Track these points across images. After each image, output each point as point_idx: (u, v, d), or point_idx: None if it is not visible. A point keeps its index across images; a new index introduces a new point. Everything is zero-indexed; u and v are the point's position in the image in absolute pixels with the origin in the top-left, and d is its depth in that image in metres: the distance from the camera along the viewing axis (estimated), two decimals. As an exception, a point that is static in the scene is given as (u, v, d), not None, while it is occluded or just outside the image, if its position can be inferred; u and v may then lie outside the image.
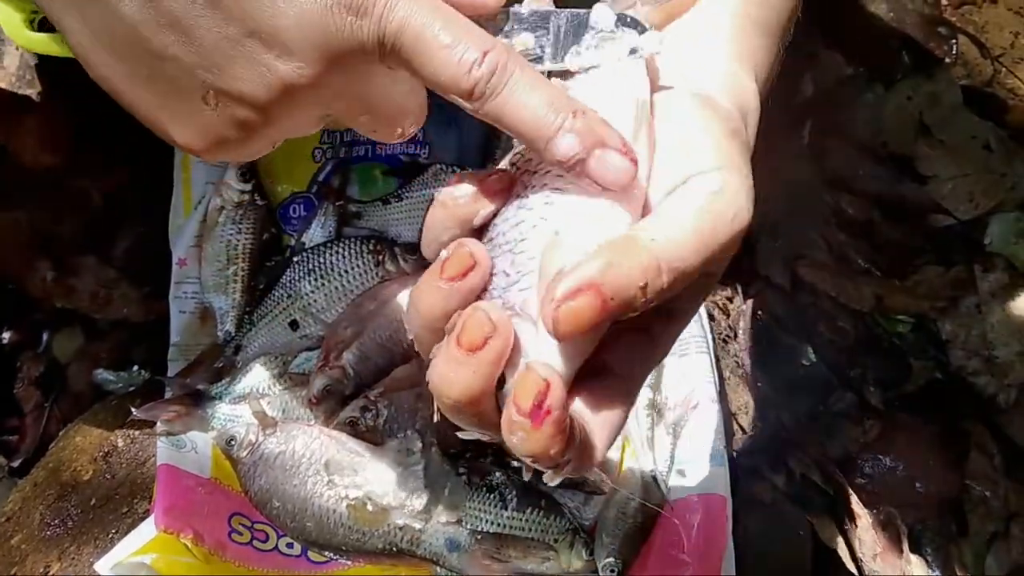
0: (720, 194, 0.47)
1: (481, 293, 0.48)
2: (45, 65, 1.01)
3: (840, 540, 1.12)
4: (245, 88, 0.49)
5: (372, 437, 1.02)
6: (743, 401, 1.21)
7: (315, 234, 1.13)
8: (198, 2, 0.47)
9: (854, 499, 1.13)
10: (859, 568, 1.11)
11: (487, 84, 0.46)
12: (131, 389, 1.13)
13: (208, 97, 0.50)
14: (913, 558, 1.12)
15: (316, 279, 1.09)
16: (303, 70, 0.48)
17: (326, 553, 1.01)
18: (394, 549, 0.99)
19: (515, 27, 0.51)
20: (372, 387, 1.04)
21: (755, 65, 0.57)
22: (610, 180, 0.46)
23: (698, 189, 0.47)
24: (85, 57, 0.52)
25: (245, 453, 1.01)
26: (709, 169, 0.48)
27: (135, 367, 1.15)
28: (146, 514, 1.00)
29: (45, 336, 1.22)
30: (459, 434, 0.51)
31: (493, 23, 0.51)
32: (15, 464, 1.16)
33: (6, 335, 1.21)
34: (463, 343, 0.45)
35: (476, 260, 0.47)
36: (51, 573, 1.00)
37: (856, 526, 1.12)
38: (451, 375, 0.45)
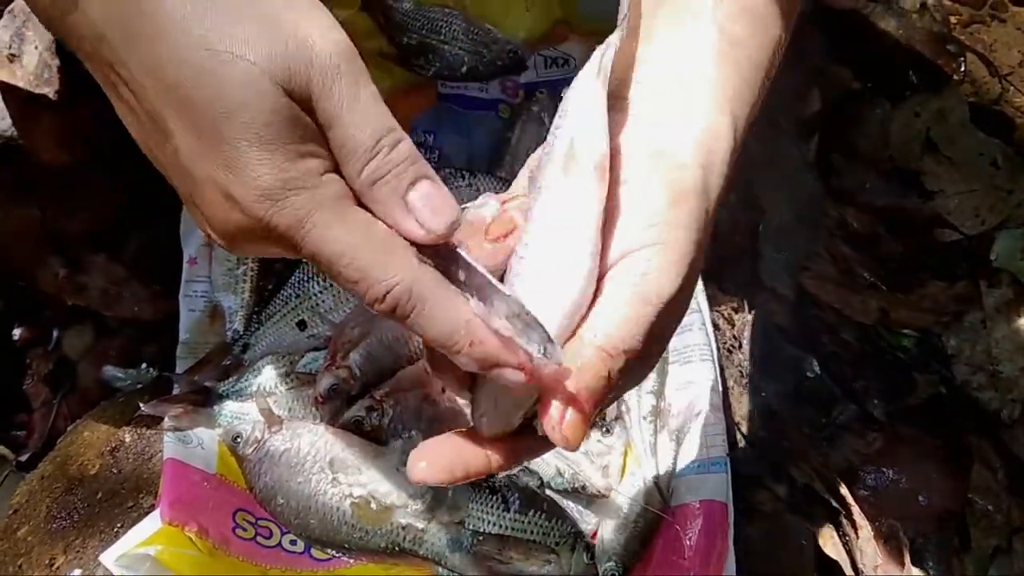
0: (646, 276, 0.52)
1: None
2: (64, 64, 1.03)
3: (842, 551, 1.12)
4: (213, 221, 0.54)
5: (377, 437, 1.03)
6: (746, 411, 1.21)
7: (326, 236, 1.13)
8: (164, 160, 0.54)
9: (856, 510, 1.13)
10: (860, 579, 1.11)
11: (393, 314, 0.52)
12: (139, 386, 1.14)
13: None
14: (915, 571, 1.12)
15: (324, 280, 1.09)
16: (220, 242, 0.56)
17: (329, 551, 1.01)
18: (396, 548, 0.99)
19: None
20: (378, 387, 1.05)
21: (736, 107, 0.59)
22: (511, 383, 0.52)
23: (630, 270, 0.53)
24: None
25: (251, 450, 1.02)
26: (640, 247, 0.53)
27: (144, 365, 1.16)
28: (151, 509, 1.00)
29: (56, 333, 1.23)
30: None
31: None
32: (23, 459, 1.17)
33: (17, 331, 1.22)
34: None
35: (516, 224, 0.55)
36: (56, 565, 1.01)
37: (858, 538, 1.12)
38: None
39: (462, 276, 0.53)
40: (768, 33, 0.62)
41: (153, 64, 0.50)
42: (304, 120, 0.51)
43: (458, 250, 0.54)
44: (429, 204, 0.52)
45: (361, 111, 0.52)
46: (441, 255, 0.54)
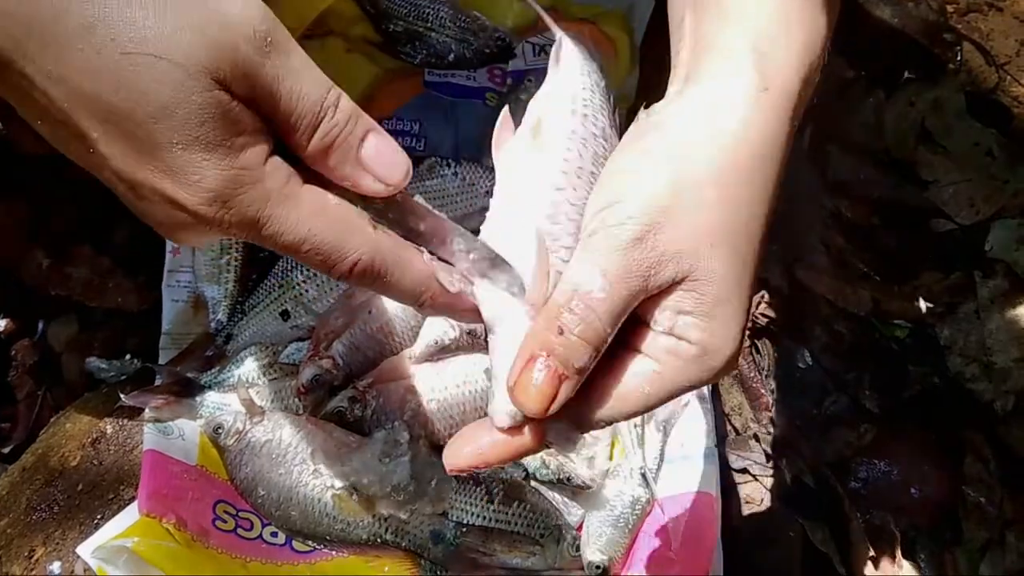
0: (604, 225, 0.52)
1: None
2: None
3: (831, 543, 1.10)
4: (156, 220, 0.53)
5: (359, 428, 1.01)
6: (737, 402, 1.20)
7: (309, 225, 1.12)
8: (94, 169, 0.51)
9: (847, 502, 1.12)
10: (850, 572, 1.10)
11: (363, 282, 0.54)
12: (123, 378, 1.13)
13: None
14: (906, 563, 1.11)
15: (308, 269, 1.08)
16: (170, 239, 0.55)
17: (310, 542, 1.00)
18: (378, 540, 0.98)
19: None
20: (361, 378, 1.04)
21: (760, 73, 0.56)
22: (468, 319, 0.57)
23: (592, 227, 0.53)
24: None
25: (232, 441, 1.01)
26: (609, 204, 0.53)
27: (128, 356, 1.15)
28: (132, 500, 0.99)
29: (41, 324, 1.22)
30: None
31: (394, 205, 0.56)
32: (6, 451, 1.16)
33: (2, 323, 1.21)
34: None
35: None
36: (36, 557, 1.00)
37: (849, 530, 1.11)
38: None
39: (421, 226, 0.55)
40: None
41: (63, 74, 0.46)
42: (235, 110, 0.49)
43: (415, 198, 0.56)
44: (381, 159, 0.54)
45: (298, 79, 0.50)
46: (399, 206, 0.55)
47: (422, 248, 0.56)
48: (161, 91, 0.46)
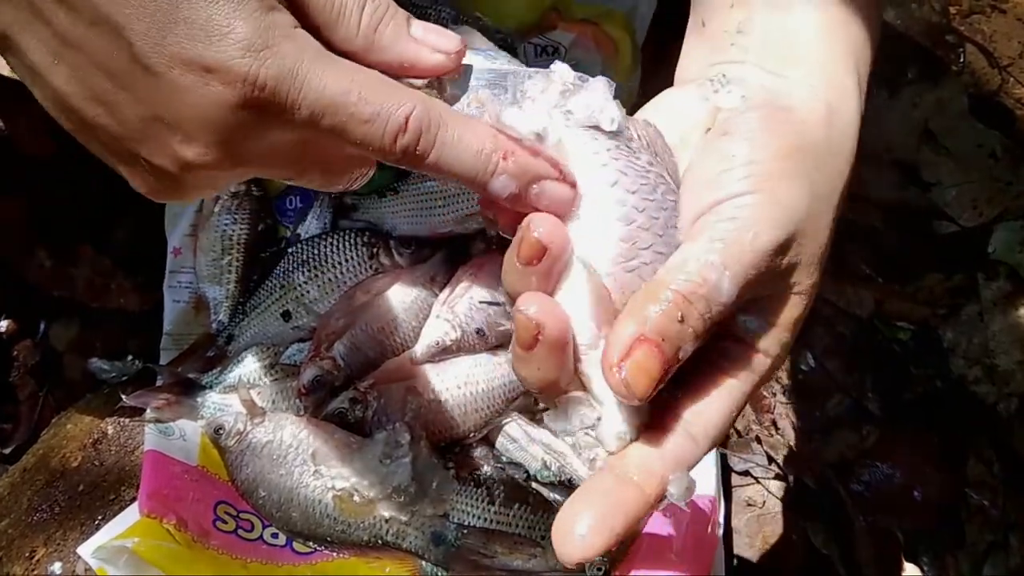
0: (734, 220, 0.49)
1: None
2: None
3: (833, 546, 1.10)
4: (157, 162, 0.50)
5: (360, 429, 1.01)
6: (739, 404, 1.20)
7: (310, 226, 1.12)
8: (116, 81, 0.48)
9: (849, 505, 1.12)
10: (852, 575, 1.09)
11: (416, 149, 0.48)
12: (125, 379, 1.13)
13: (137, 159, 0.51)
14: (908, 566, 1.11)
15: (309, 270, 1.08)
16: (205, 156, 0.49)
17: (311, 544, 1.00)
18: (379, 541, 0.98)
19: (474, 83, 0.53)
20: (362, 379, 1.03)
21: (859, 60, 0.56)
22: (552, 207, 0.50)
23: (718, 214, 0.50)
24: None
25: (233, 442, 1.00)
26: (735, 195, 0.50)
27: (130, 357, 1.15)
28: (133, 501, 0.99)
29: (42, 325, 1.22)
30: None
31: (452, 80, 0.53)
32: (7, 451, 1.16)
33: (4, 323, 1.21)
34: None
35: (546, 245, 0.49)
36: (37, 558, 1.00)
37: (850, 532, 1.11)
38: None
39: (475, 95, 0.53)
40: None
41: None
42: None
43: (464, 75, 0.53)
44: (431, 32, 0.52)
45: None
46: (461, 82, 0.53)
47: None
48: None
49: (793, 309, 0.52)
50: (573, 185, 0.50)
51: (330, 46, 0.50)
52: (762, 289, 0.51)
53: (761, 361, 0.52)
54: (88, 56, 0.47)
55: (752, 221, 0.49)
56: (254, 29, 0.46)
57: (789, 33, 0.55)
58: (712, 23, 0.59)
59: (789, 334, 0.52)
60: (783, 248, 0.50)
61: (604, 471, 0.52)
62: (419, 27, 0.51)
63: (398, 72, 0.51)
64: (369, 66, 0.50)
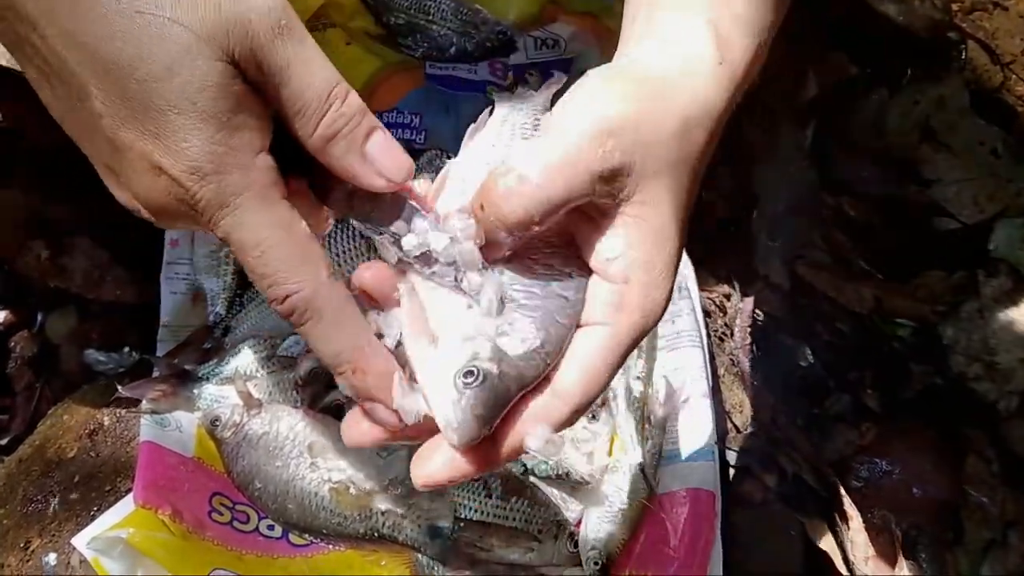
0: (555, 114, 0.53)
1: None
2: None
3: (832, 542, 1.10)
4: (116, 195, 0.54)
5: (357, 421, 1.01)
6: (738, 399, 1.19)
7: (309, 218, 1.12)
8: (83, 124, 0.51)
9: (847, 501, 1.11)
10: (851, 571, 1.09)
11: (290, 317, 0.52)
12: (121, 370, 1.12)
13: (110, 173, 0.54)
14: (907, 563, 1.10)
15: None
16: (148, 218, 0.53)
17: (307, 536, 0.99)
18: (375, 534, 0.97)
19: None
20: (359, 371, 1.03)
21: (717, 16, 0.58)
22: (380, 422, 0.55)
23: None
24: None
25: (229, 434, 1.00)
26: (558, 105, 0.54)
27: (126, 348, 1.15)
28: (128, 492, 0.99)
29: (39, 316, 1.22)
30: None
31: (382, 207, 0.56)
32: (4, 442, 1.16)
33: (1, 314, 1.21)
34: None
35: None
36: (32, 548, 0.99)
37: (849, 528, 1.10)
38: None
39: (410, 226, 0.55)
40: None
41: (76, 28, 0.47)
42: (238, 88, 0.49)
43: (411, 203, 0.55)
44: (385, 154, 0.53)
45: (309, 66, 0.50)
46: (387, 208, 0.55)
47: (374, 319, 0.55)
48: (168, 51, 0.47)
49: (640, 226, 0.53)
50: (394, 427, 0.54)
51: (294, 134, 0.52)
52: (602, 184, 0.52)
53: (621, 292, 0.53)
54: (65, 90, 0.50)
55: (579, 114, 0.52)
56: (209, 153, 0.48)
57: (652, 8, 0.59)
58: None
59: (640, 253, 0.53)
60: (602, 134, 0.51)
61: None
62: (377, 145, 0.53)
63: (346, 180, 0.54)
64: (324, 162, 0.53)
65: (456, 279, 0.54)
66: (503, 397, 0.52)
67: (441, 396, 0.52)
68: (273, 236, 0.50)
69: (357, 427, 0.56)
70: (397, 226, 0.55)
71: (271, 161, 0.51)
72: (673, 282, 0.54)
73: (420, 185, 0.57)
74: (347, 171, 0.53)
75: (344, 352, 0.52)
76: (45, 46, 0.49)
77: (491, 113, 0.67)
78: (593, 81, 0.54)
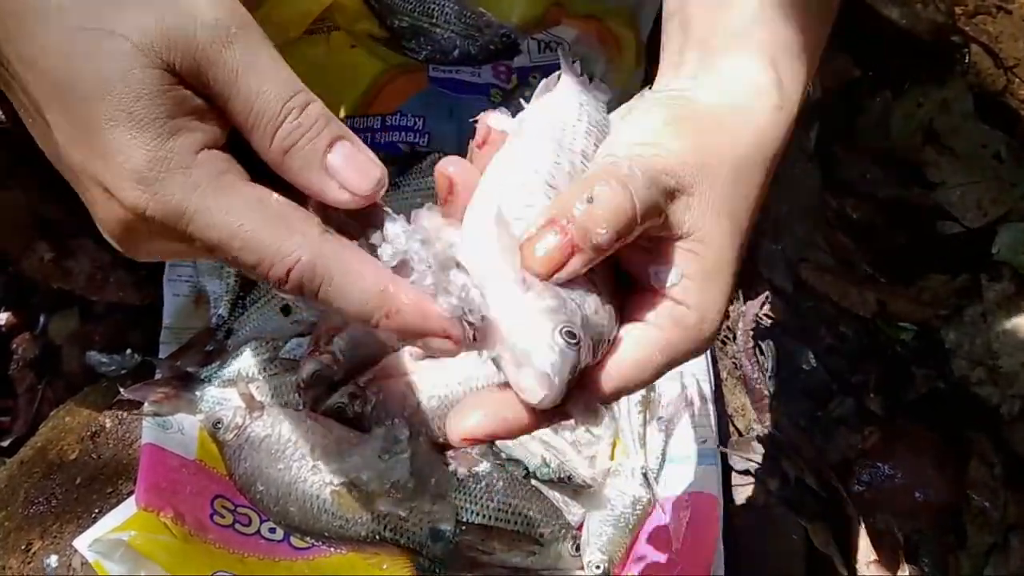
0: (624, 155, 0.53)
1: None
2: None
3: (834, 546, 1.10)
4: (98, 218, 0.51)
5: (359, 424, 1.01)
6: (740, 403, 1.19)
7: (312, 221, 1.12)
8: (54, 154, 0.50)
9: (850, 505, 1.11)
10: (853, 575, 1.09)
11: (302, 293, 0.48)
12: (124, 372, 1.12)
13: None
14: (909, 567, 1.10)
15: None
16: (115, 244, 0.52)
17: (308, 539, 1.00)
18: (377, 537, 0.98)
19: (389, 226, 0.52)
20: (361, 374, 1.03)
21: (780, 56, 0.59)
22: (436, 352, 0.50)
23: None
24: None
25: (231, 436, 1.00)
26: (625, 144, 0.54)
27: (129, 350, 1.14)
28: (130, 494, 0.99)
29: (42, 318, 1.22)
30: None
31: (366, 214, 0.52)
32: (6, 444, 1.16)
33: (3, 316, 1.21)
34: None
35: None
36: (33, 550, 0.99)
37: (851, 533, 1.10)
38: None
39: (383, 233, 0.52)
40: None
41: (25, 51, 0.46)
42: (180, 94, 0.47)
43: (385, 209, 0.52)
44: (350, 166, 0.49)
45: (261, 76, 0.48)
46: (367, 220, 0.52)
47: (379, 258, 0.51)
48: (105, 65, 0.45)
49: (701, 260, 0.53)
50: (456, 341, 0.50)
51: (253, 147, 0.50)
52: (655, 229, 0.52)
53: (679, 310, 0.53)
54: (36, 129, 0.50)
55: (652, 151, 0.53)
56: (148, 160, 0.46)
57: (713, 35, 0.60)
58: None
59: (698, 283, 0.53)
60: (674, 174, 0.52)
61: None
62: (340, 156, 0.50)
63: (309, 195, 0.51)
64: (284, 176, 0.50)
65: (439, 282, 0.50)
66: (580, 365, 0.49)
67: (537, 350, 0.48)
68: (247, 219, 0.47)
69: (460, 424, 0.51)
70: (374, 237, 0.52)
71: (216, 153, 0.48)
72: (723, 317, 0.55)
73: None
74: (307, 187, 0.50)
75: (370, 301, 0.48)
76: (9, 71, 0.48)
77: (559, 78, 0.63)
78: (655, 114, 0.56)
